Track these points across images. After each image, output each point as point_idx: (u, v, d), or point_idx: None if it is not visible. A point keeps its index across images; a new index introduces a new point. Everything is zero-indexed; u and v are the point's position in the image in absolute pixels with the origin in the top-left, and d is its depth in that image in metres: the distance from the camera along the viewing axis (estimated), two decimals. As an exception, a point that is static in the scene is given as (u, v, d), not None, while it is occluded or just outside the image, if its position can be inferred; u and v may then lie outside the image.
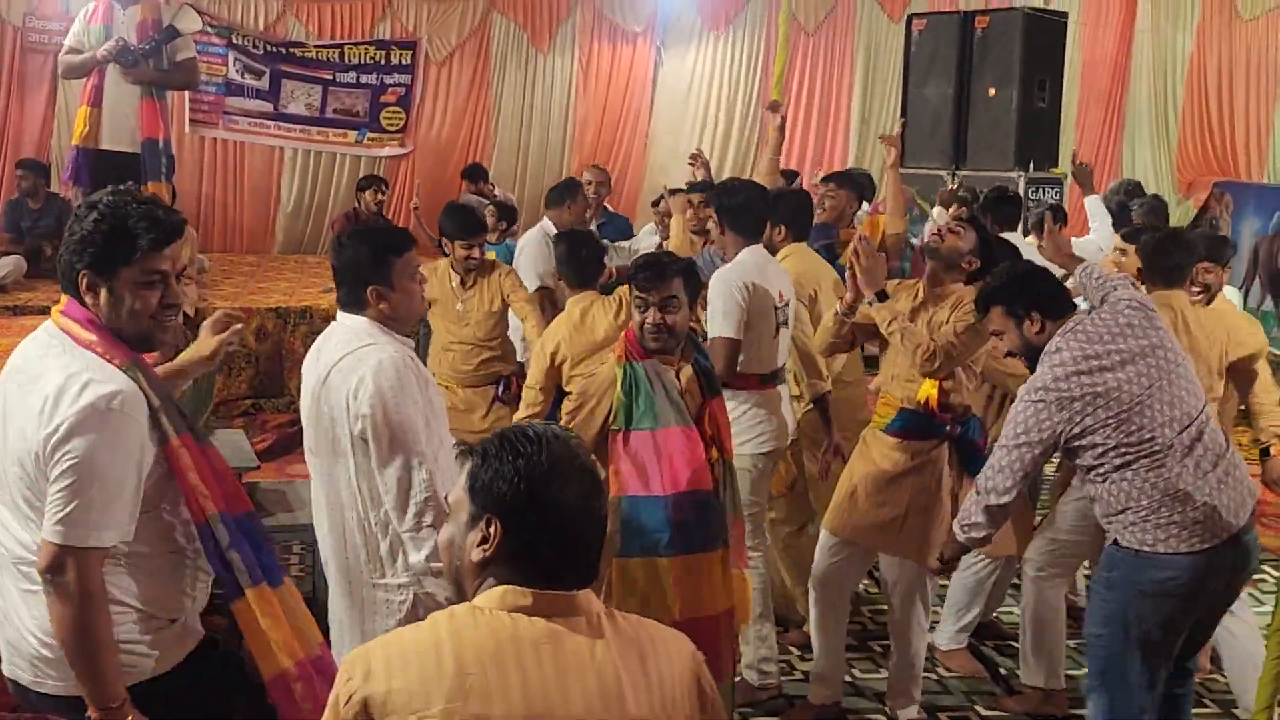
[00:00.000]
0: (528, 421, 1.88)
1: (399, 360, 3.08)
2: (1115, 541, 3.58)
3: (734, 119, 12.94)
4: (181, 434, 2.62)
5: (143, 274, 2.59)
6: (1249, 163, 12.36)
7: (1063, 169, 9.79)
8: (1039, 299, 3.67)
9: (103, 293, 2.58)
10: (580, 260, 5.01)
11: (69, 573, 2.46)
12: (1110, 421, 3.45)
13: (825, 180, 6.48)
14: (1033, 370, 3.66)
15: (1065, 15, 9.92)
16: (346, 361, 3.08)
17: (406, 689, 1.75)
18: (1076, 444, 3.52)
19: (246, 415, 8.12)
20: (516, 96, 12.75)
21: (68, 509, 2.45)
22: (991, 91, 9.23)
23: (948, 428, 4.39)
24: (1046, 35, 9.33)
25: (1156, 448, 3.44)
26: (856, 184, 6.77)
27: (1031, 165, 8.89)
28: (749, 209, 4.72)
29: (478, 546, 1.84)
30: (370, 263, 3.14)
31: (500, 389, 5.73)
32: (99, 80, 6.84)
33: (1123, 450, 3.46)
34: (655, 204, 7.61)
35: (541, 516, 1.82)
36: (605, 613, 1.89)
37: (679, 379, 3.84)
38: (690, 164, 6.58)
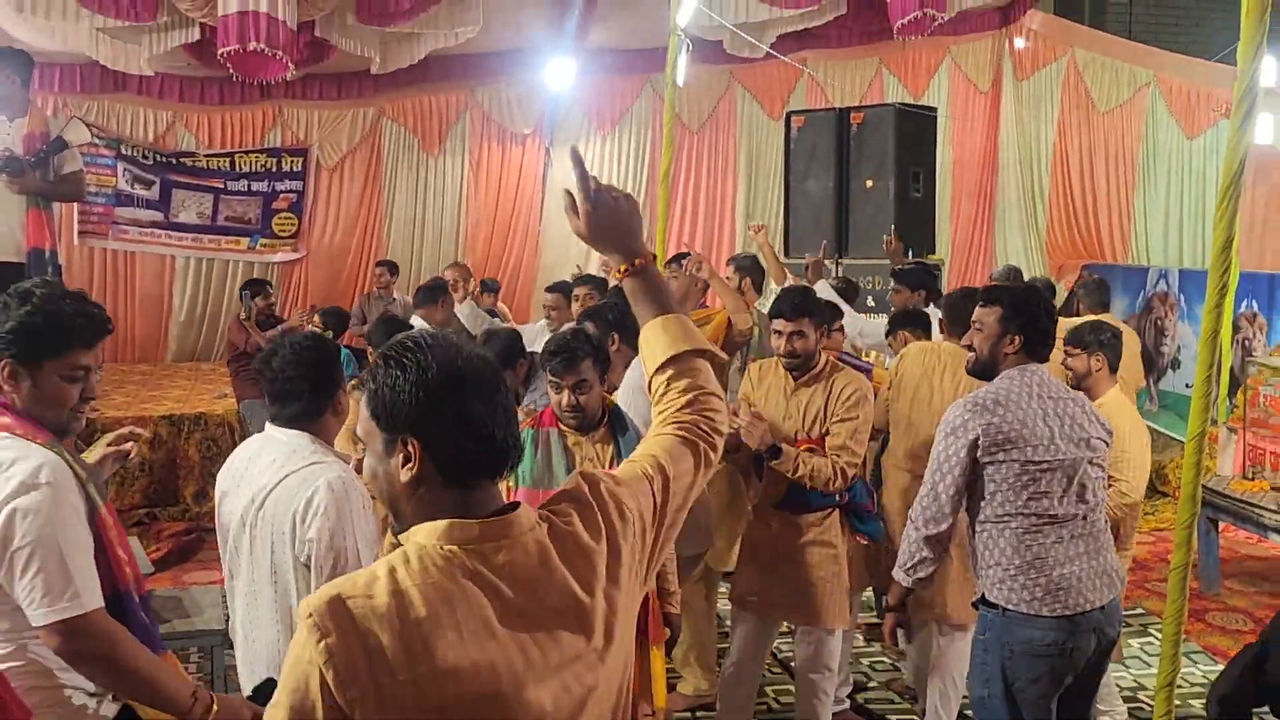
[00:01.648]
0: (406, 335, 1.88)
1: (349, 481, 2.90)
2: (983, 598, 3.67)
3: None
4: (106, 503, 2.64)
5: (68, 368, 2.60)
6: (1113, 245, 12.82)
7: (940, 255, 10.04)
8: (1032, 329, 3.73)
9: (25, 382, 2.57)
10: None
11: (80, 640, 2.45)
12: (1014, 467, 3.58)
13: (670, 263, 6.57)
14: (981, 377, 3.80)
15: (934, 110, 10.23)
16: (291, 481, 2.89)
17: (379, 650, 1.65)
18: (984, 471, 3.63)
19: (141, 525, 7.89)
20: (409, 200, 12.78)
21: (43, 588, 2.42)
22: (869, 183, 9.43)
23: (837, 497, 4.51)
24: (917, 129, 9.58)
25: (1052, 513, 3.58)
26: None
27: (911, 252, 9.07)
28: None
29: (403, 469, 1.81)
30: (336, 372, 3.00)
31: None
32: (-16, 192, 6.70)
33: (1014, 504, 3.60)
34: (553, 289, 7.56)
35: (452, 418, 1.80)
36: (539, 520, 1.87)
37: (599, 457, 3.92)
38: (602, 267, 6.67)
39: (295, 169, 12.39)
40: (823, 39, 12.57)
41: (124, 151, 11.77)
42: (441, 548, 1.76)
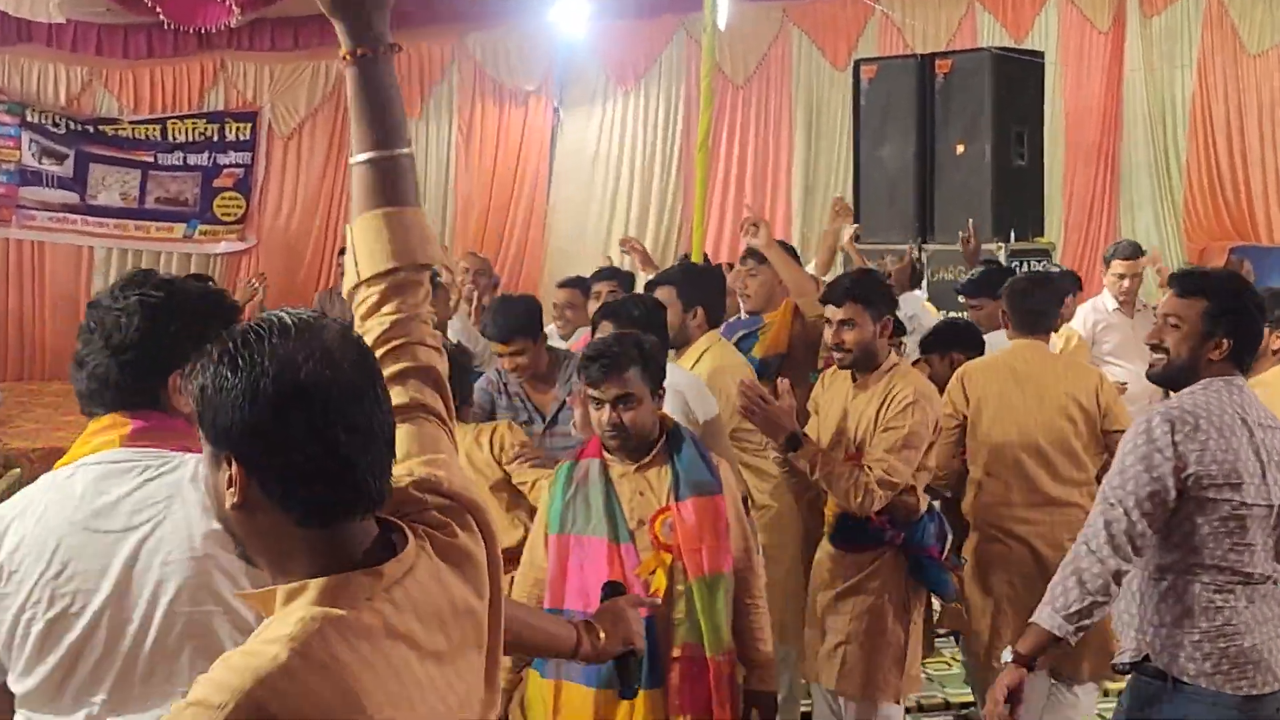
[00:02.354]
0: (259, 318, 1.78)
1: None
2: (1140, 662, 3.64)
3: (650, 190, 13.08)
4: None
5: None
6: (1269, 222, 12.69)
7: (1050, 238, 9.97)
8: (1244, 331, 3.70)
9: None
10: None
11: None
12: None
13: (745, 258, 6.50)
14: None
15: (1041, 55, 10.16)
16: None
17: None
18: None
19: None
20: (382, 174, 12.77)
21: None
22: (959, 148, 9.36)
23: (887, 534, 4.49)
24: (1021, 79, 9.51)
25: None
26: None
27: (1014, 234, 9.01)
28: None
29: (227, 490, 1.75)
30: None
31: None
32: None
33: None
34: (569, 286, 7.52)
35: (285, 444, 1.72)
36: (419, 539, 1.87)
37: (653, 489, 3.94)
38: (624, 250, 6.63)
39: (242, 137, 12.43)
40: (899, -32, 12.58)
41: (29, 118, 11.84)
42: (338, 612, 1.72)
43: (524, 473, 4.86)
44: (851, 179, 10.30)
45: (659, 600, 3.72)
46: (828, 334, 4.71)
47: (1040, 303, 5.38)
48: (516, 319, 5.53)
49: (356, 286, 2.13)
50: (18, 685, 2.39)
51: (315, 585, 1.73)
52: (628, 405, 3.94)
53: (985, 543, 5.15)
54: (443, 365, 2.15)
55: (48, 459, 8.16)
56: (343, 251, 8.87)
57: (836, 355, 4.71)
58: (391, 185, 2.13)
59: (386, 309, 2.11)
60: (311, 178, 12.70)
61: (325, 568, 1.76)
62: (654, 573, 3.89)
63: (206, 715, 1.58)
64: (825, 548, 4.75)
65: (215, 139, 12.37)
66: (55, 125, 11.95)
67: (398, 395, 2.02)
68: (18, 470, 7.11)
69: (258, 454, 1.73)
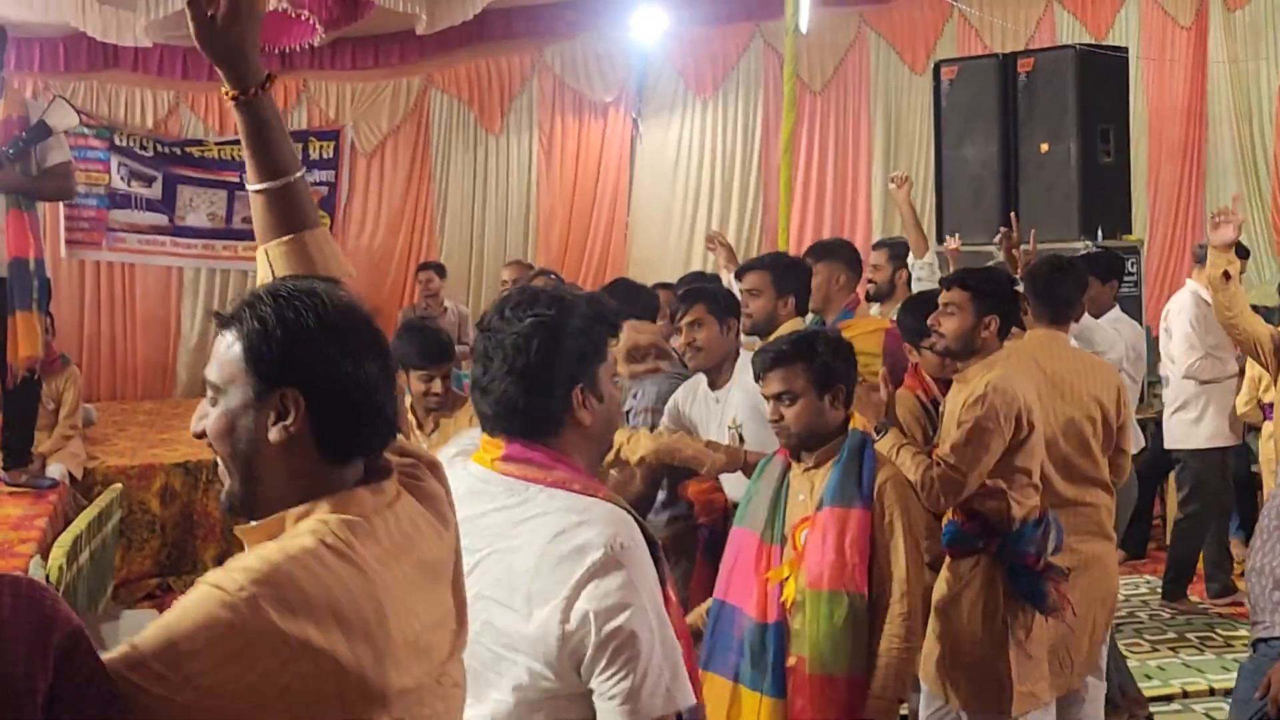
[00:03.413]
0: (283, 281, 2.01)
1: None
2: None
3: (731, 198, 13.05)
4: None
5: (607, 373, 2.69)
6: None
7: (1138, 235, 9.84)
8: None
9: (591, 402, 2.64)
10: None
11: None
12: None
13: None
14: None
15: (1125, 51, 10.04)
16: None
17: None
18: None
19: (153, 597, 7.99)
20: (465, 189, 12.89)
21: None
22: (1044, 148, 9.27)
23: (979, 542, 4.42)
24: (1105, 76, 9.40)
25: None
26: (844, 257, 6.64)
27: (1101, 232, 8.90)
28: None
29: (274, 426, 1.90)
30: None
31: None
32: (-45, 192, 6.82)
33: None
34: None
35: (346, 376, 1.92)
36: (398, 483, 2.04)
37: (811, 492, 3.95)
38: (709, 247, 6.63)
39: (326, 156, 12.55)
40: (976, -31, 12.47)
41: (118, 142, 11.98)
42: (354, 516, 1.88)
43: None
44: (932, 181, 10.22)
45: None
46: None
47: (1066, 290, 5.13)
48: (705, 290, 5.60)
49: None
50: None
51: (326, 500, 1.89)
52: (787, 401, 3.96)
53: None
54: None
55: (144, 477, 8.27)
56: (423, 266, 8.93)
57: (933, 339, 4.69)
58: (291, 210, 2.33)
59: None
60: (394, 195, 12.77)
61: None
62: (786, 579, 3.87)
63: (219, 597, 1.68)
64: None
65: (299, 157, 12.43)
66: (143, 148, 12.09)
67: None
68: (119, 485, 7.20)
69: (317, 386, 1.91)
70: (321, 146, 12.53)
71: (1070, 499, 4.86)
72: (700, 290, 5.39)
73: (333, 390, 1.91)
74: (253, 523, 1.95)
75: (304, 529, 1.85)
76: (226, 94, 2.28)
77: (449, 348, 5.59)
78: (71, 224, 11.84)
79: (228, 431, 1.94)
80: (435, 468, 2.18)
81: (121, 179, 12.03)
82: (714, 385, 5.18)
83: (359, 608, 1.78)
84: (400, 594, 1.87)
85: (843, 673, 3.78)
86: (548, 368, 2.55)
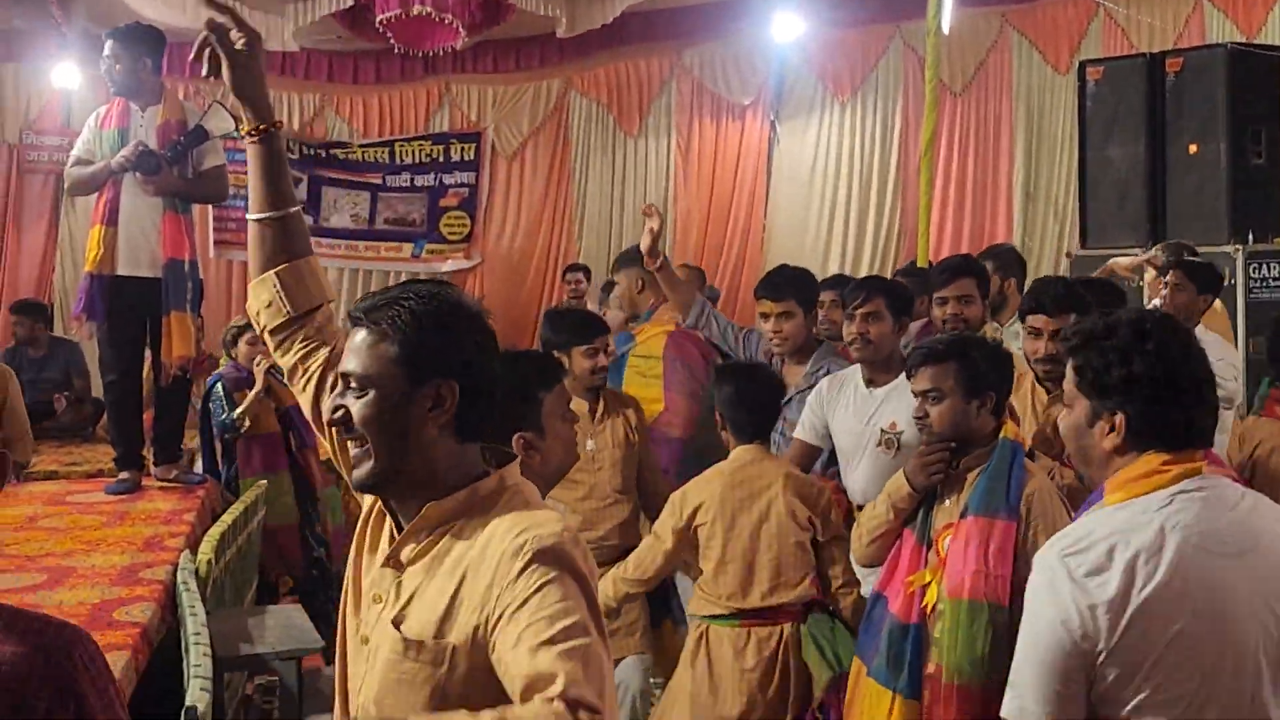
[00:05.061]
0: (409, 284, 2.32)
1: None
2: None
3: (869, 201, 12.95)
4: None
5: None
6: None
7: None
8: None
9: None
10: (755, 404, 4.89)
11: None
12: None
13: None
14: None
15: (1278, 50, 9.82)
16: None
17: None
18: None
19: (295, 593, 8.11)
20: (604, 192, 12.97)
21: None
22: (1193, 149, 9.11)
23: None
24: (1257, 75, 9.19)
25: None
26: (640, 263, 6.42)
27: (1251, 236, 8.72)
28: None
29: (430, 413, 2.23)
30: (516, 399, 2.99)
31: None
32: (113, 194, 6.98)
33: None
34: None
35: (484, 368, 2.28)
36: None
37: (960, 494, 3.96)
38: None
39: (467, 158, 12.69)
40: (1122, -33, 12.26)
41: (266, 144, 12.20)
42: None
43: None
44: (1075, 184, 10.09)
45: None
46: (1034, 345, 4.69)
47: None
48: (794, 279, 5.60)
49: (278, 327, 2.59)
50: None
51: (497, 475, 2.33)
52: (933, 400, 3.99)
53: None
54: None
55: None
56: (571, 268, 9.04)
57: (1041, 368, 4.69)
58: (291, 238, 2.59)
59: (300, 339, 2.58)
60: (534, 197, 12.90)
61: (466, 477, 2.29)
62: (928, 584, 3.86)
63: (565, 534, 2.18)
64: None
65: (441, 160, 12.63)
66: (289, 151, 12.28)
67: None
68: (264, 482, 7.34)
69: (465, 377, 2.24)
70: (463, 149, 12.67)
71: None
72: (881, 283, 5.37)
73: (475, 380, 2.25)
74: (443, 499, 2.26)
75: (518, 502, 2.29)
76: (245, 130, 2.54)
77: (602, 321, 5.75)
78: (220, 225, 12.11)
79: (378, 418, 2.22)
80: None
81: (268, 181, 12.24)
82: (872, 383, 5.13)
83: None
84: None
85: (981, 684, 3.71)
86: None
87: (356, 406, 2.23)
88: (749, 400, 4.84)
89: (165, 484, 7.35)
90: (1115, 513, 2.67)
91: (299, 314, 2.56)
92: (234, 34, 2.54)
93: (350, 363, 2.25)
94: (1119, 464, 2.75)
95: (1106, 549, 2.61)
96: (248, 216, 2.61)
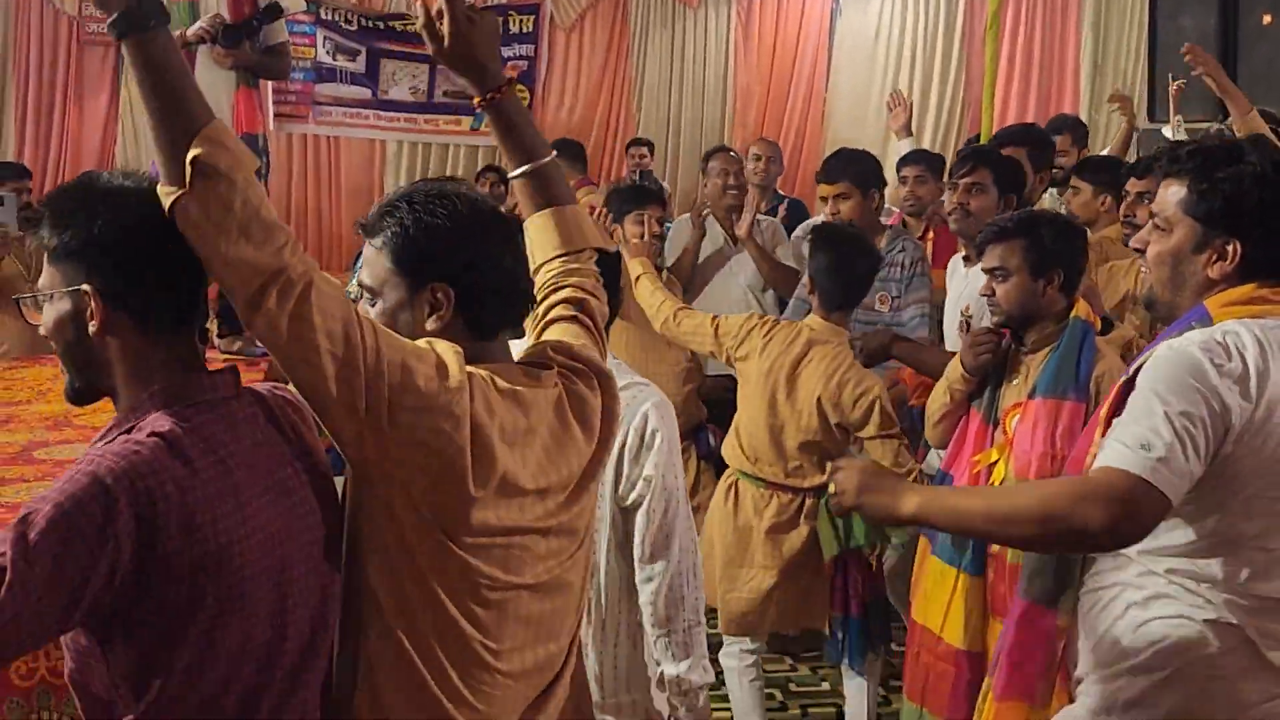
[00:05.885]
0: (427, 181, 2.36)
1: (667, 405, 3.34)
2: None
3: (932, 75, 12.83)
4: None
5: None
6: None
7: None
8: None
9: None
10: (851, 274, 4.84)
11: None
12: None
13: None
14: None
15: (1356, -81, 9.65)
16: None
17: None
18: None
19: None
20: (663, 65, 12.85)
21: None
22: (1267, 19, 9.03)
23: None
24: (1334, -54, 9.10)
25: None
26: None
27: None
28: None
29: (430, 317, 2.25)
30: None
31: (702, 445, 5.74)
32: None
33: None
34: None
35: (485, 266, 2.27)
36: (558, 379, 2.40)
37: (1029, 374, 3.97)
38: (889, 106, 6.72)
39: (525, 30, 12.59)
40: None
41: (323, 15, 12.12)
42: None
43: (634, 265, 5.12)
44: (1145, 57, 9.99)
45: None
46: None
47: None
48: (850, 160, 5.70)
49: (538, 268, 2.63)
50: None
51: (483, 367, 2.28)
52: (1000, 277, 3.98)
53: None
54: (602, 308, 2.66)
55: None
56: (634, 142, 9.07)
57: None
58: (544, 189, 2.62)
59: (563, 278, 2.62)
60: (593, 69, 12.83)
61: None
62: (995, 464, 3.89)
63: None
64: None
65: (500, 32, 12.53)
66: (348, 22, 12.26)
67: (566, 310, 2.57)
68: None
69: (459, 277, 2.26)
70: (521, 21, 12.57)
71: None
72: (990, 155, 5.26)
73: (472, 279, 2.26)
74: None
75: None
76: (477, 102, 2.59)
77: (656, 191, 6.07)
78: (280, 99, 12.07)
79: (390, 326, 2.23)
80: (601, 375, 2.46)
81: (327, 53, 12.22)
82: (967, 259, 5.13)
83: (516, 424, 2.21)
84: (516, 439, 2.22)
85: None
86: None
87: (372, 315, 2.30)
88: (845, 269, 4.78)
89: (229, 356, 7.45)
90: (1233, 324, 2.62)
91: (543, 260, 2.64)
92: (447, 9, 2.55)
93: (364, 273, 2.34)
94: (1213, 292, 2.72)
95: (1235, 346, 2.58)
96: (509, 176, 2.69)
